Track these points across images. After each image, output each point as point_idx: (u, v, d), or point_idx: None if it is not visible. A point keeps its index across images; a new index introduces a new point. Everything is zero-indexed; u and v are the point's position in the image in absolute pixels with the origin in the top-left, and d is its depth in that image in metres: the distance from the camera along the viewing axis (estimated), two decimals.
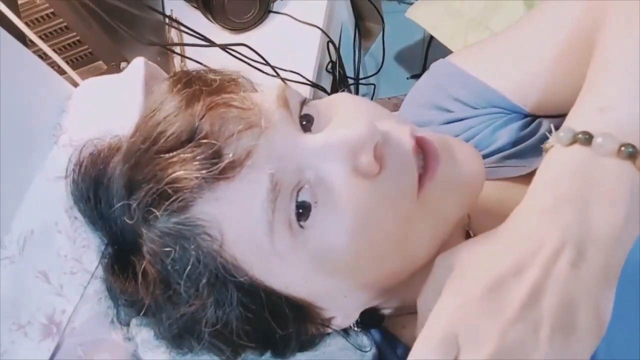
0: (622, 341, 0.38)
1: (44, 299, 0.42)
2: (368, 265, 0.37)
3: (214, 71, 0.42)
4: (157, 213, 0.33)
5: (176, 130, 0.33)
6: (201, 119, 0.33)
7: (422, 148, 0.36)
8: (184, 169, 0.32)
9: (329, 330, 0.41)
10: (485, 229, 0.45)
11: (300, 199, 0.34)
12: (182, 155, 0.32)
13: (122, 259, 0.39)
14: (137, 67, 0.57)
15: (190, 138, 0.33)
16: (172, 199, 0.32)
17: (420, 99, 0.59)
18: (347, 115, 0.37)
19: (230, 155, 0.32)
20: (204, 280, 0.34)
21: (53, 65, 0.67)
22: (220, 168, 0.31)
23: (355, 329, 0.44)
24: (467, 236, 0.47)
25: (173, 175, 0.32)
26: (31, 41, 0.59)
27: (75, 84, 0.61)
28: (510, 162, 0.50)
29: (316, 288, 0.37)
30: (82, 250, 0.45)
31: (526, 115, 0.52)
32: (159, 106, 0.36)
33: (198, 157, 0.32)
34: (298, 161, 0.34)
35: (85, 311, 0.44)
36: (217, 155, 0.32)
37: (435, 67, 0.58)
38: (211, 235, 0.34)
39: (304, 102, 0.38)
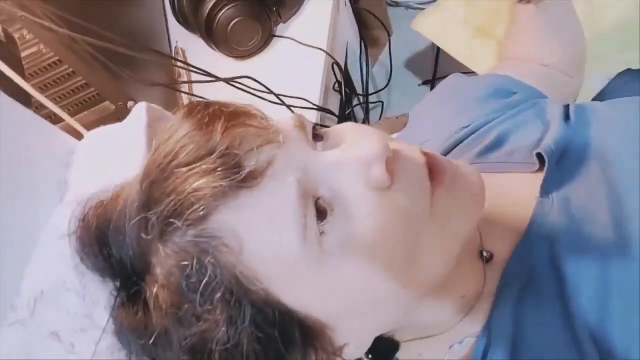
0: (624, 345, 0.38)
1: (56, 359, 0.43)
2: (382, 278, 0.36)
3: (227, 104, 0.43)
4: (178, 224, 0.33)
5: (196, 145, 0.33)
6: (222, 134, 0.33)
7: (429, 163, 0.37)
8: (206, 178, 0.32)
9: None
10: (493, 230, 0.46)
11: (316, 205, 0.34)
12: (203, 167, 0.33)
13: (131, 292, 0.38)
14: (139, 113, 0.57)
15: (211, 152, 0.33)
16: (194, 207, 0.32)
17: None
18: (358, 137, 0.37)
19: (252, 164, 0.32)
20: (219, 295, 0.34)
21: (55, 115, 0.69)
22: (242, 176, 0.32)
23: (369, 359, 0.44)
24: (481, 256, 0.47)
25: (195, 184, 0.32)
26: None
27: (77, 133, 0.62)
28: (513, 158, 0.50)
29: (329, 306, 0.37)
30: (92, 306, 0.45)
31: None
32: (176, 128, 0.36)
33: (219, 169, 0.32)
34: (313, 176, 0.35)
35: None
36: (238, 165, 0.33)
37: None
38: (229, 247, 0.33)
39: (314, 128, 0.39)
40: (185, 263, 0.33)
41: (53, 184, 0.49)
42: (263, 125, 0.35)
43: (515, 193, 0.49)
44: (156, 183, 0.34)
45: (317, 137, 0.38)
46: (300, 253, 0.33)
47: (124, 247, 0.38)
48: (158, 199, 0.34)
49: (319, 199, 0.34)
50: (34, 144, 0.48)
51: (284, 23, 0.98)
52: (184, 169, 0.33)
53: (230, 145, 0.33)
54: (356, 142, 0.37)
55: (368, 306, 0.38)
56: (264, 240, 0.33)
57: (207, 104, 0.38)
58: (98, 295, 0.45)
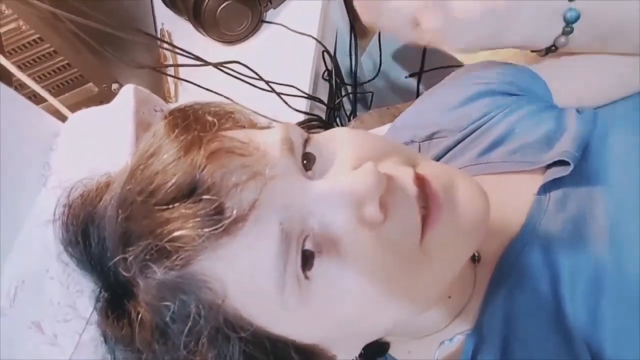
0: (615, 345, 0.38)
1: (37, 351, 0.41)
2: (373, 314, 0.36)
3: (211, 105, 0.41)
4: (155, 269, 0.32)
5: (176, 182, 0.32)
6: (202, 170, 0.31)
7: (425, 192, 0.35)
8: (185, 226, 0.31)
9: None
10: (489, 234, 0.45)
11: (304, 248, 0.33)
12: (182, 211, 0.31)
13: (116, 304, 0.38)
14: (127, 95, 0.55)
15: (190, 192, 0.31)
16: (173, 257, 0.31)
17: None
18: (350, 159, 0.35)
19: (234, 211, 0.31)
20: (205, 334, 0.33)
21: (36, 95, 0.66)
22: (223, 227, 0.30)
23: None
24: (472, 256, 0.46)
25: (174, 233, 0.31)
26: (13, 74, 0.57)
27: (60, 115, 0.59)
28: (515, 157, 0.49)
29: (321, 335, 0.37)
30: (75, 295, 0.43)
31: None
32: (156, 150, 0.34)
33: (199, 213, 0.31)
34: (302, 209, 0.33)
35: None
36: (219, 210, 0.31)
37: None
38: (213, 290, 0.32)
39: (307, 141, 0.37)
40: (167, 303, 0.33)
41: (36, 167, 0.47)
42: (247, 152, 0.33)
43: (514, 192, 0.48)
44: (133, 219, 0.33)
45: (307, 155, 0.36)
46: (279, 301, 0.32)
47: (105, 260, 0.37)
48: (136, 237, 0.33)
49: (306, 237, 0.33)
50: (15, 125, 0.46)
51: (274, 9, 0.95)
52: (163, 209, 0.32)
53: (211, 185, 0.31)
54: (349, 165, 0.35)
55: (358, 331, 0.38)
56: (245, 285, 0.32)
57: (188, 122, 0.36)
58: (82, 285, 0.44)
